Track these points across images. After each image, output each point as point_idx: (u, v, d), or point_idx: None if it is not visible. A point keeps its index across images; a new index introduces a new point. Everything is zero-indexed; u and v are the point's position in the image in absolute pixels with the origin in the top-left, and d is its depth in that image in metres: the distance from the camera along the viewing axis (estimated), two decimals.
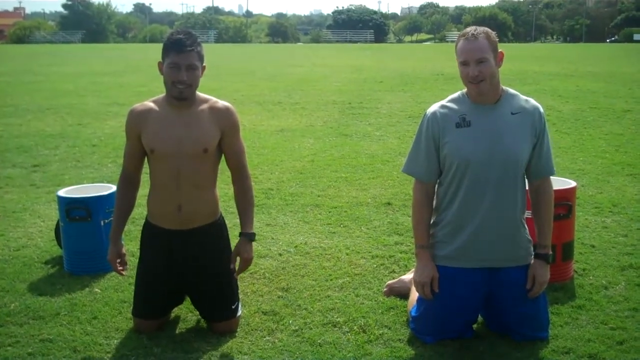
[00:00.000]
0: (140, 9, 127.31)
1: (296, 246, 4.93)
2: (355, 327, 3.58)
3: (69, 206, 4.43)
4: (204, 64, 3.46)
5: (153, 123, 3.47)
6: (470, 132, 3.31)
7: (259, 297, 4.02)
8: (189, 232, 3.51)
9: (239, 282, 3.74)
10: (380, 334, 3.51)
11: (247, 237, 3.58)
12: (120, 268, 3.65)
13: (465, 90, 3.39)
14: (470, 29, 3.33)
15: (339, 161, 7.99)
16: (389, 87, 17.01)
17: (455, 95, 3.44)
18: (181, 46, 3.33)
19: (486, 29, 3.34)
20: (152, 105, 3.52)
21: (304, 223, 5.53)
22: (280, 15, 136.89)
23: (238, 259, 3.59)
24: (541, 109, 3.40)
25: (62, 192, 4.56)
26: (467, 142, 3.31)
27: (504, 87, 3.40)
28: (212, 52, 37.02)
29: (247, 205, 3.64)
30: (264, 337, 3.51)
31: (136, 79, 19.88)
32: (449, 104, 3.42)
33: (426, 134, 3.41)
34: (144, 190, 3.72)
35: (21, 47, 56.09)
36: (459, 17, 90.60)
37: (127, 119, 3.56)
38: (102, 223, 4.41)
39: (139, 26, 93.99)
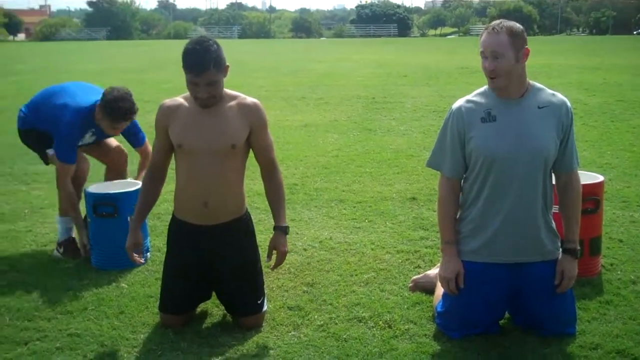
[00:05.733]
0: (164, 5, 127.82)
1: (321, 241, 4.93)
2: (380, 323, 3.58)
3: (96, 202, 4.47)
4: (226, 65, 3.43)
5: (181, 118, 3.49)
6: (496, 127, 3.29)
7: (284, 292, 4.03)
8: (215, 228, 3.53)
9: (264, 277, 3.76)
10: (405, 329, 3.50)
11: (282, 230, 3.63)
12: (137, 256, 3.69)
13: None
14: (496, 22, 3.30)
15: (363, 156, 7.97)
16: (413, 81, 16.93)
17: (481, 89, 3.42)
18: (196, 69, 3.32)
19: (513, 24, 3.28)
20: (182, 100, 3.54)
21: (329, 218, 5.53)
22: (303, 11, 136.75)
23: (274, 253, 3.65)
24: (568, 104, 3.37)
25: (90, 189, 4.61)
26: (492, 137, 3.28)
27: (530, 81, 3.37)
28: (236, 48, 37.09)
29: (279, 199, 3.68)
30: (290, 332, 3.52)
31: (160, 75, 19.97)
32: (474, 99, 3.40)
33: (451, 129, 3.40)
34: (170, 186, 3.74)
35: (47, 44, 56.62)
36: (484, 10, 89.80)
37: (157, 113, 3.59)
38: (129, 219, 4.44)
39: (163, 23, 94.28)
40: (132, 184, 4.71)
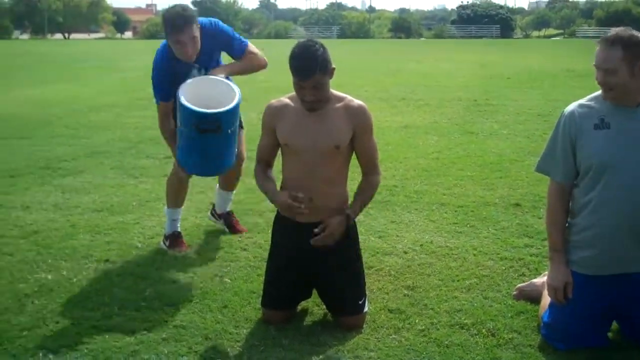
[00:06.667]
0: (266, 5, 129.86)
1: (421, 245, 4.88)
2: (483, 330, 3.51)
3: (200, 121, 4.24)
4: (332, 67, 3.47)
5: (288, 118, 3.57)
6: (609, 135, 3.19)
7: (385, 294, 4.01)
8: (319, 224, 3.53)
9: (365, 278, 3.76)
10: (509, 339, 3.43)
11: (345, 214, 3.54)
12: (297, 204, 3.50)
13: None
14: (612, 34, 3.15)
15: (464, 159, 7.84)
16: (516, 83, 16.53)
17: (595, 94, 3.32)
18: (303, 74, 3.38)
19: (632, 35, 3.12)
20: (287, 101, 3.63)
21: (430, 221, 5.46)
22: (403, 11, 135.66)
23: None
24: None
25: (188, 104, 4.24)
26: (605, 145, 3.18)
27: None
28: (336, 48, 37.10)
29: (363, 194, 3.67)
30: (390, 335, 3.50)
31: (261, 74, 20.19)
32: (588, 104, 3.31)
33: (562, 134, 3.31)
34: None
35: (153, 42, 58.35)
36: (590, 11, 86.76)
37: (264, 114, 3.68)
38: (229, 131, 4.35)
39: (264, 22, 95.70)
40: (223, 88, 4.49)
